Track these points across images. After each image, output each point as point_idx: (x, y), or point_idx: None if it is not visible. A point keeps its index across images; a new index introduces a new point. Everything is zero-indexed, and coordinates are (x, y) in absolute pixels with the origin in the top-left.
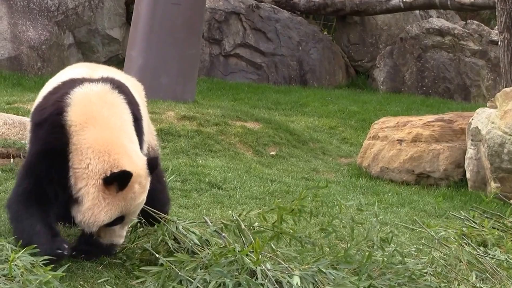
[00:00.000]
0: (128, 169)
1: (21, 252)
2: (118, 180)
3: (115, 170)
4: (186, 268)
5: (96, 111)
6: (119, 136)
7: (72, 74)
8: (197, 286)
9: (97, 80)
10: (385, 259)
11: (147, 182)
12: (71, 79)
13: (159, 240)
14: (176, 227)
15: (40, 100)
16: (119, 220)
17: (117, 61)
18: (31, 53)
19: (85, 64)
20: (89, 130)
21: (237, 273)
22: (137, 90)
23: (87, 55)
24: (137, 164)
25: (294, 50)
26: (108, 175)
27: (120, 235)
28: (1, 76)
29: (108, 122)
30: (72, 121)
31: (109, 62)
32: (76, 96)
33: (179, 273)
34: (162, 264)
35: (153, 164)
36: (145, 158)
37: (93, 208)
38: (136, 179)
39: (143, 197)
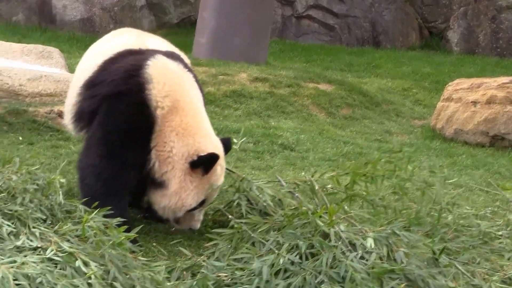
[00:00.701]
0: (211, 150)
1: (94, 213)
2: (204, 164)
3: (201, 154)
4: (259, 230)
5: (179, 93)
6: (201, 119)
7: (124, 42)
8: (270, 248)
9: (164, 54)
10: (457, 221)
11: (224, 164)
12: (130, 50)
13: (233, 201)
14: (250, 187)
15: (96, 69)
16: (201, 203)
17: (189, 23)
18: (104, 15)
19: (128, 30)
20: (174, 113)
21: (310, 235)
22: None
23: (159, 16)
24: (217, 146)
25: (367, 11)
26: (196, 159)
27: (199, 219)
28: (74, 38)
29: (191, 105)
30: (157, 102)
31: (181, 23)
32: (154, 73)
33: (252, 235)
34: (234, 226)
35: (228, 145)
36: (219, 140)
37: (180, 191)
38: (218, 162)
39: (221, 180)
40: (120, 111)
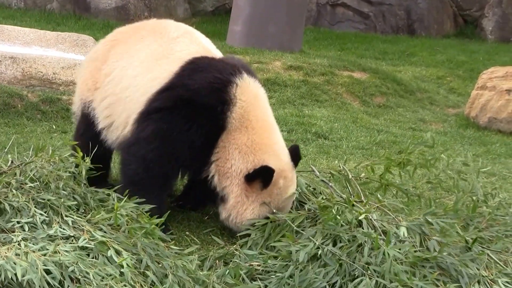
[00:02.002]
0: (271, 163)
1: (123, 200)
2: (261, 177)
3: (257, 167)
4: (293, 219)
5: (253, 114)
6: (269, 135)
7: (197, 48)
8: (307, 237)
9: (243, 68)
10: (491, 210)
11: (293, 175)
12: (205, 57)
13: None
14: None
15: (173, 75)
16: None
17: (224, 11)
18: (138, 3)
19: (183, 29)
20: (242, 131)
21: (344, 224)
22: None
23: (194, 4)
24: (281, 159)
25: None
26: (250, 172)
27: None
28: (108, 26)
29: (262, 123)
30: (230, 120)
31: (215, 11)
32: (239, 94)
33: (291, 224)
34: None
35: (296, 154)
36: (287, 151)
37: (236, 206)
38: (280, 174)
39: (290, 191)
40: (191, 117)
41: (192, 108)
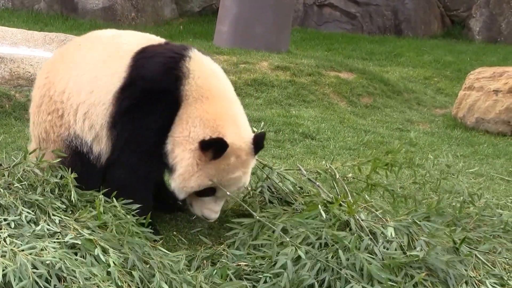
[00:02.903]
0: (229, 137)
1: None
2: (214, 147)
3: (214, 136)
4: (280, 220)
5: (210, 83)
6: (230, 108)
7: (142, 38)
8: (290, 237)
9: (188, 46)
10: (478, 211)
11: (248, 159)
12: (154, 44)
13: (256, 189)
14: (271, 175)
15: (128, 68)
16: (210, 191)
17: (211, 11)
18: (125, 3)
19: (115, 30)
20: (202, 101)
21: (331, 224)
22: None
23: (181, 5)
24: (241, 136)
25: (389, 0)
26: (206, 140)
27: (212, 209)
28: (96, 26)
29: (220, 95)
30: (186, 93)
31: (202, 12)
32: (191, 66)
33: (280, 223)
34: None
35: (259, 142)
36: (252, 134)
37: (184, 173)
38: (233, 151)
39: (238, 173)
40: (158, 107)
41: (156, 97)
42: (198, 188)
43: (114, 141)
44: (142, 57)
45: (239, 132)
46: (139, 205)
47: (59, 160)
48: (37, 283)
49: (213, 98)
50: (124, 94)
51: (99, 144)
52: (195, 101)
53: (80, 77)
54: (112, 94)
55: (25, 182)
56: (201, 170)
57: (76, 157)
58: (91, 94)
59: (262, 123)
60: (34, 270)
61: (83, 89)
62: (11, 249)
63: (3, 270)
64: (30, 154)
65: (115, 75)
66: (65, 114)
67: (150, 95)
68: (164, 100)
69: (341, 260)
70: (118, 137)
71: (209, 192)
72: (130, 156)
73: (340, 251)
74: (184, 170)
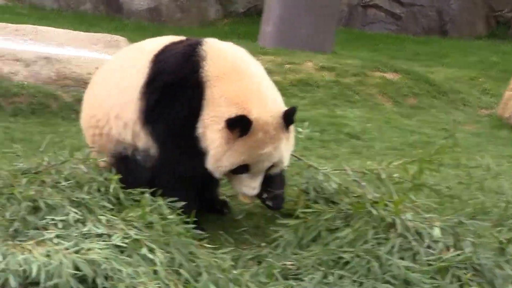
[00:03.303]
0: (255, 113)
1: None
2: (239, 125)
3: (239, 113)
4: (325, 218)
5: (232, 61)
6: (256, 81)
7: (165, 39)
8: (337, 237)
9: (205, 38)
10: None
11: (277, 133)
12: (175, 41)
13: (301, 188)
14: (317, 175)
15: (150, 66)
16: (243, 168)
17: (256, 12)
18: (170, 4)
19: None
20: (224, 80)
21: (376, 224)
22: None
23: (226, 6)
24: (267, 111)
25: (434, 0)
26: (231, 118)
27: (249, 186)
28: (141, 27)
29: (245, 71)
30: (208, 75)
31: (247, 12)
32: (208, 48)
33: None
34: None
35: (289, 116)
36: (282, 109)
37: (216, 154)
38: (260, 126)
39: (268, 149)
40: (183, 96)
41: (179, 85)
42: (232, 167)
43: (151, 136)
44: (162, 53)
45: (265, 106)
46: (183, 203)
47: (105, 159)
48: (81, 281)
49: (236, 75)
50: (149, 88)
51: (139, 140)
52: (217, 80)
53: (108, 83)
54: (139, 90)
55: (72, 181)
56: (231, 149)
57: (121, 162)
58: (119, 95)
59: (307, 123)
60: (77, 268)
61: (112, 93)
62: (55, 249)
63: (45, 268)
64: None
65: (139, 72)
66: (102, 121)
67: (173, 85)
68: (187, 86)
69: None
70: (153, 132)
71: (243, 169)
72: (167, 150)
73: (375, 263)
74: (215, 151)
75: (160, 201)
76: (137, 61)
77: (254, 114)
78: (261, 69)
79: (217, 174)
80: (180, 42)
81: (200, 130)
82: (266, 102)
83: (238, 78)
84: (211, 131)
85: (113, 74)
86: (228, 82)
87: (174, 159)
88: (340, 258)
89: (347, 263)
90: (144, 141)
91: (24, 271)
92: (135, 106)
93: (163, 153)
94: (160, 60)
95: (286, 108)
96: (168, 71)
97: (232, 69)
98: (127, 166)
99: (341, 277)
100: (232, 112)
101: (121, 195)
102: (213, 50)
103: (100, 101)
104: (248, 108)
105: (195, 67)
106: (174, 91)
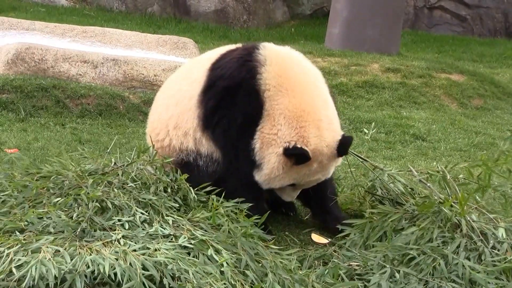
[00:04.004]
0: (312, 143)
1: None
2: (296, 155)
3: (299, 145)
4: (391, 219)
5: (289, 71)
6: (314, 100)
7: (221, 49)
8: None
9: (261, 43)
10: None
11: (329, 162)
12: (232, 49)
13: (366, 189)
14: (382, 176)
15: (209, 72)
16: (290, 185)
17: (322, 14)
18: (237, 6)
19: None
20: (282, 94)
21: (441, 224)
22: None
23: (292, 8)
24: (323, 140)
25: (500, 2)
26: (290, 147)
27: (289, 195)
28: (208, 29)
29: (305, 84)
30: (266, 81)
31: (313, 14)
32: (266, 53)
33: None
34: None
35: (343, 148)
36: (338, 136)
37: (270, 174)
38: (315, 157)
39: (318, 176)
40: (241, 100)
41: (236, 90)
42: (281, 186)
43: (212, 141)
44: (219, 60)
45: (322, 134)
46: (250, 204)
47: (171, 159)
48: (146, 283)
49: (295, 89)
50: (207, 95)
51: (201, 146)
52: (276, 93)
53: (166, 96)
54: (196, 98)
55: (139, 182)
56: (285, 173)
57: (183, 168)
58: (176, 106)
59: (373, 124)
60: (144, 269)
61: (170, 105)
62: (123, 250)
63: (113, 270)
64: (143, 153)
65: (195, 81)
66: (161, 134)
67: (231, 89)
68: (244, 91)
69: (447, 264)
70: (213, 137)
71: (289, 185)
72: (227, 154)
73: (441, 262)
74: (270, 171)
75: (228, 203)
76: (195, 71)
77: (311, 145)
78: (319, 77)
79: (264, 187)
80: (236, 48)
81: (257, 144)
82: (323, 129)
83: (298, 92)
84: (268, 151)
85: (171, 87)
86: (289, 96)
87: (234, 163)
88: (406, 255)
89: (412, 259)
90: (206, 146)
91: (92, 272)
92: (194, 113)
93: (225, 157)
94: (217, 67)
95: (341, 133)
96: (225, 76)
97: (292, 80)
98: (189, 172)
99: (406, 275)
100: (292, 139)
101: (191, 195)
102: (273, 55)
103: (159, 114)
104: (306, 136)
105: (252, 71)
106: (231, 95)
